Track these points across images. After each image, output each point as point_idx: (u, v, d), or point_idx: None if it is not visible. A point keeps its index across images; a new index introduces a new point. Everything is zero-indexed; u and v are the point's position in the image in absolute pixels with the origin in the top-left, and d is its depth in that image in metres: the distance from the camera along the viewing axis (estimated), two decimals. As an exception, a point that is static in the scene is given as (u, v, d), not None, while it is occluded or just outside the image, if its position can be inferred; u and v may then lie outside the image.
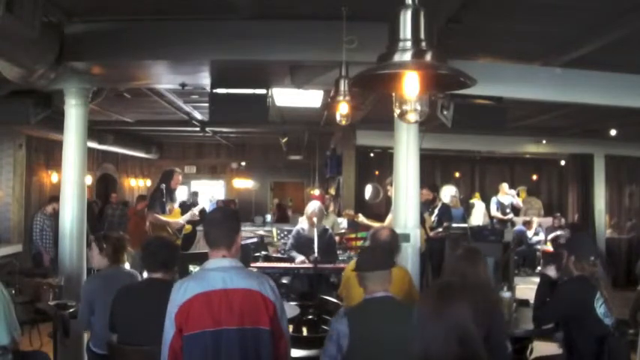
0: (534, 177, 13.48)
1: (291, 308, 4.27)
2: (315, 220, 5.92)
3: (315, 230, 5.76)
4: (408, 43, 1.64)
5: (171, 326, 2.29)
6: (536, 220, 11.17)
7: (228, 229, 2.44)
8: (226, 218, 2.50)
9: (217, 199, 12.92)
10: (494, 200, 11.22)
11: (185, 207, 7.12)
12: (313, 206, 6.08)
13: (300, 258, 5.90)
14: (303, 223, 6.17)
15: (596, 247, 3.73)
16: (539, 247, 10.53)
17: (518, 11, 4.06)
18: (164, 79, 5.51)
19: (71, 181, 5.08)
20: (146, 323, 2.63)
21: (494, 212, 11.02)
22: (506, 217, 10.96)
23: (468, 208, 11.07)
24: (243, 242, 4.96)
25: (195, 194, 12.78)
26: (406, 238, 4.62)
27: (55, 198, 7.43)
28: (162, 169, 15.27)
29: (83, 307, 3.65)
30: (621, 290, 7.06)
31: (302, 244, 6.05)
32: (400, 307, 2.74)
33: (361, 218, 7.37)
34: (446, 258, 6.85)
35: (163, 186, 6.50)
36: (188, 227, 6.44)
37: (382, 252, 3.01)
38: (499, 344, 2.89)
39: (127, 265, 4.02)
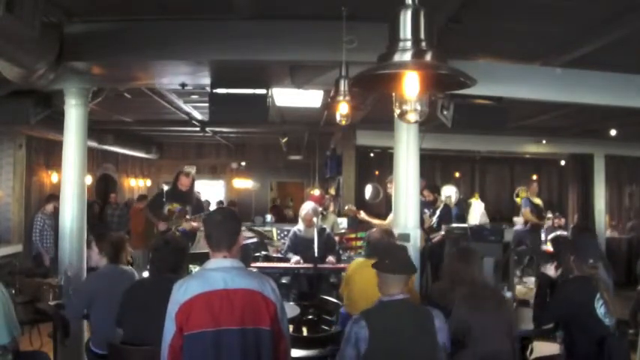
0: (534, 177, 13.48)
1: (291, 308, 4.27)
2: (314, 220, 5.93)
3: (315, 230, 5.77)
4: (408, 43, 1.64)
5: (172, 325, 2.29)
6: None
7: (230, 231, 2.44)
8: (227, 219, 2.50)
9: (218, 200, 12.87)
10: (525, 201, 9.77)
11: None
12: (307, 208, 6.09)
13: (295, 258, 5.91)
14: (299, 225, 6.17)
15: (598, 250, 3.72)
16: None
17: (518, 11, 4.06)
18: (164, 79, 5.51)
19: (71, 181, 5.08)
20: (153, 320, 2.63)
21: (529, 215, 9.43)
22: (542, 222, 9.52)
23: (466, 208, 11.05)
24: (243, 242, 4.96)
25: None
26: (406, 238, 4.62)
27: (53, 196, 7.46)
28: (162, 169, 15.30)
29: (80, 300, 3.71)
30: (621, 290, 7.06)
31: (299, 245, 6.05)
32: (417, 310, 2.74)
33: (363, 215, 7.37)
34: (445, 258, 6.85)
35: (163, 187, 6.51)
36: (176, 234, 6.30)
37: (407, 255, 2.96)
38: None
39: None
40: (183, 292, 2.31)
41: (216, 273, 2.35)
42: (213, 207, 11.31)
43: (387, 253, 2.95)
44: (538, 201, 9.94)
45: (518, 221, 11.18)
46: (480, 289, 2.78)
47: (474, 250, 3.41)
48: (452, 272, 3.24)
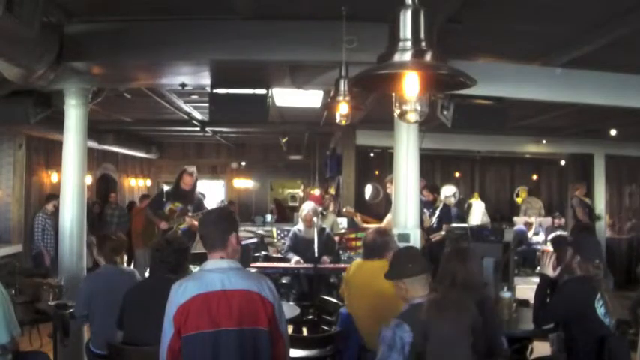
0: (534, 177, 13.49)
1: (291, 308, 4.27)
2: (315, 220, 5.93)
3: (315, 230, 5.77)
4: (408, 43, 1.64)
5: (170, 327, 2.29)
6: (536, 220, 11.15)
7: (222, 231, 2.42)
8: (219, 219, 2.49)
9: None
10: (577, 201, 9.54)
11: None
12: (307, 208, 6.09)
13: (295, 258, 5.91)
14: (299, 225, 6.18)
15: (601, 249, 3.73)
16: (539, 247, 10.52)
17: (518, 11, 4.06)
18: (164, 79, 5.51)
19: (71, 181, 5.08)
20: (155, 320, 2.64)
21: (582, 216, 9.23)
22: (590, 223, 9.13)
23: (468, 208, 11.05)
24: (243, 242, 4.95)
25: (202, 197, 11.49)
26: (406, 238, 4.62)
27: (53, 196, 7.54)
28: (162, 169, 15.28)
29: (79, 301, 3.79)
30: (621, 290, 7.06)
31: (299, 245, 6.05)
32: None
33: (359, 219, 7.37)
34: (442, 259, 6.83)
35: (163, 186, 6.51)
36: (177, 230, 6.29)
37: (417, 255, 2.94)
38: (494, 340, 2.88)
39: (131, 265, 4.06)
40: (181, 293, 2.31)
41: (213, 274, 2.34)
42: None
43: (404, 258, 2.92)
44: (588, 201, 9.77)
45: (519, 221, 11.20)
46: (445, 293, 2.73)
47: (467, 249, 3.40)
48: (446, 271, 3.23)
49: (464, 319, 2.38)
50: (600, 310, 3.26)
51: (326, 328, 4.40)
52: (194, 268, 3.92)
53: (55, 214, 6.71)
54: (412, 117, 1.83)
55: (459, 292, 2.62)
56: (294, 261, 5.89)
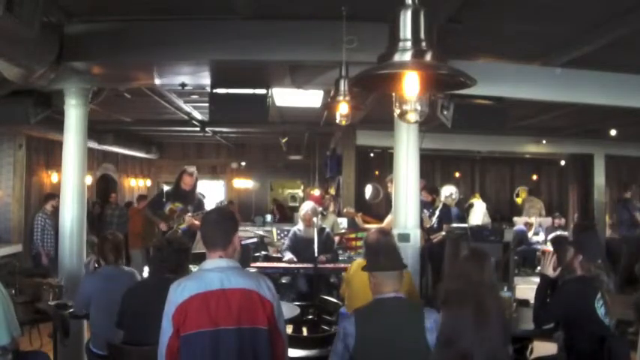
0: (534, 177, 13.49)
1: (291, 308, 4.27)
2: (315, 220, 5.93)
3: (316, 230, 5.77)
4: (408, 43, 1.64)
5: (169, 326, 2.29)
6: (536, 220, 11.15)
7: (225, 230, 2.43)
8: (222, 219, 2.49)
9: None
10: (633, 206, 8.90)
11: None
12: (306, 207, 6.10)
13: (288, 257, 5.91)
14: (299, 225, 6.18)
15: (603, 249, 3.74)
16: (539, 247, 10.52)
17: (518, 11, 4.06)
18: (164, 79, 5.50)
19: (71, 181, 5.08)
20: (154, 321, 2.64)
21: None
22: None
23: (468, 208, 11.04)
24: (243, 242, 4.95)
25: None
26: (406, 238, 4.62)
27: (51, 195, 7.57)
28: (162, 169, 15.26)
29: (80, 302, 3.85)
30: (621, 290, 7.06)
31: (299, 244, 6.05)
32: (411, 308, 2.74)
33: (359, 219, 7.37)
34: (445, 258, 6.85)
35: (163, 187, 6.51)
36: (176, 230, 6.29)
37: (395, 252, 2.97)
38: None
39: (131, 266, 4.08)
40: (180, 292, 2.31)
41: (212, 273, 2.34)
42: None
43: (379, 252, 2.95)
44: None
45: (519, 221, 11.20)
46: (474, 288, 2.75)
47: (486, 253, 3.39)
48: (461, 273, 3.22)
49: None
50: (600, 310, 3.26)
51: (326, 328, 4.40)
52: (194, 268, 3.92)
53: (55, 213, 6.72)
54: (412, 117, 1.83)
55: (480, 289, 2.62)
56: (287, 259, 5.90)
